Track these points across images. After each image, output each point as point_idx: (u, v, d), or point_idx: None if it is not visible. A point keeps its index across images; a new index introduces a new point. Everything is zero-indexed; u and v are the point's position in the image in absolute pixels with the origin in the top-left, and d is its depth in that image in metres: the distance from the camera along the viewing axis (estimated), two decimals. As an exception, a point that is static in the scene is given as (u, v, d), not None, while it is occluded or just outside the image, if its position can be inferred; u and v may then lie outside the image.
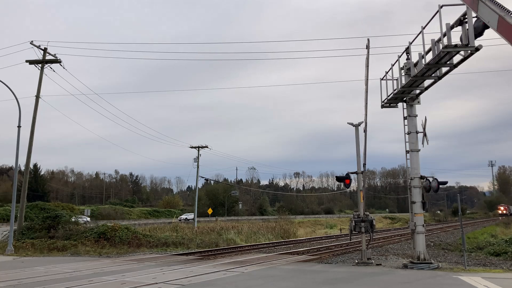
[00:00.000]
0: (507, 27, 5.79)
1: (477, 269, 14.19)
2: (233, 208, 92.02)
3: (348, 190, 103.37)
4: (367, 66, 15.35)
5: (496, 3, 6.39)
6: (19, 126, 23.05)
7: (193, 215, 68.47)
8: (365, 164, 16.12)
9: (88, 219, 54.08)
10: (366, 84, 15.29)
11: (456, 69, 12.32)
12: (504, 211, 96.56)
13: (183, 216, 72.98)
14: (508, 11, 6.04)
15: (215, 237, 29.67)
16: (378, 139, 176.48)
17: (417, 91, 14.73)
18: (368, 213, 16.01)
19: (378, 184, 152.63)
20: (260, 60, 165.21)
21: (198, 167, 53.42)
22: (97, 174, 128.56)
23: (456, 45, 11.18)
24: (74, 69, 34.65)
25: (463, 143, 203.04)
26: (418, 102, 14.95)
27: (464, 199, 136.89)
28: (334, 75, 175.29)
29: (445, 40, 11.23)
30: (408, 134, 14.77)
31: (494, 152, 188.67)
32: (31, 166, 68.66)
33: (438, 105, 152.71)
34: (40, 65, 28.08)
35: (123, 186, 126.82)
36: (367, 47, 15.36)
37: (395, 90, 15.01)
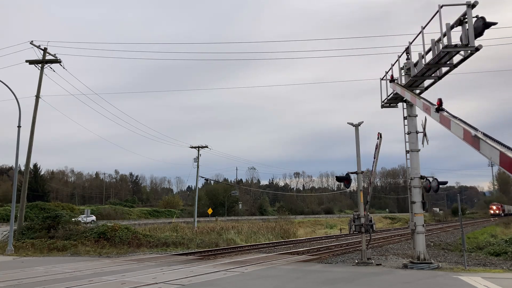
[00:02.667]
0: (509, 161, 6.26)
1: (477, 269, 14.19)
2: (233, 208, 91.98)
3: (348, 190, 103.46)
4: (377, 147, 16.46)
5: (496, 141, 6.91)
6: (19, 126, 23.05)
7: (93, 217, 65.48)
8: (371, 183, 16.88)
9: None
10: (375, 157, 16.42)
11: (456, 69, 12.32)
12: (497, 211, 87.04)
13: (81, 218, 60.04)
14: (508, 147, 6.54)
15: (215, 237, 29.66)
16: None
17: (417, 91, 14.71)
18: (368, 213, 16.04)
19: (378, 184, 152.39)
20: (260, 60, 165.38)
21: (198, 167, 53.44)
22: (97, 174, 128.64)
23: (456, 45, 11.18)
24: (74, 69, 34.70)
25: (463, 143, 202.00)
26: (418, 102, 14.94)
27: (464, 199, 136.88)
28: (333, 75, 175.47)
29: (445, 40, 11.24)
30: (408, 134, 14.77)
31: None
32: (31, 166, 68.69)
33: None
34: (40, 65, 28.08)
35: (123, 186, 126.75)
36: (379, 137, 16.42)
37: (395, 90, 15.01)
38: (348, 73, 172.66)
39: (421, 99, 11.49)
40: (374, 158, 16.56)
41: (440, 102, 9.64)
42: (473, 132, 7.56)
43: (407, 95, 13.14)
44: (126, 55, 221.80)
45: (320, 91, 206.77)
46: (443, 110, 9.40)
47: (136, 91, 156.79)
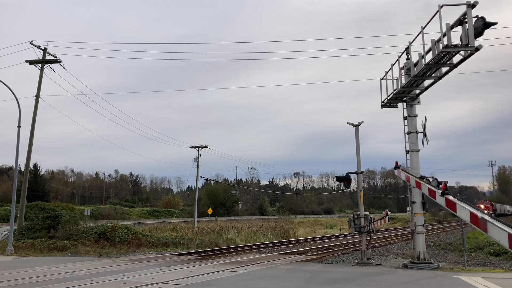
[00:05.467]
0: None
1: (477, 269, 14.20)
2: (233, 208, 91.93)
3: (348, 190, 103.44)
4: (383, 218, 19.19)
5: (503, 223, 7.05)
6: (19, 126, 23.06)
7: None
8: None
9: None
10: (378, 221, 18.94)
11: (456, 69, 12.32)
12: (485, 211, 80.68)
13: None
14: None
15: (215, 237, 29.67)
16: (378, 139, 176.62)
17: (417, 91, 14.73)
18: (368, 213, 16.07)
19: (378, 184, 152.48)
20: (260, 61, 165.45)
21: (198, 167, 53.45)
22: (97, 174, 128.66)
23: (456, 45, 11.17)
24: (74, 69, 34.70)
25: (463, 143, 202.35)
26: (418, 102, 14.95)
27: (464, 199, 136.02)
28: (334, 75, 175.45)
29: (445, 40, 11.23)
30: (408, 134, 14.77)
31: (494, 152, 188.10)
32: (31, 166, 68.68)
33: (438, 105, 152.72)
34: (40, 65, 28.08)
35: (123, 186, 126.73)
36: (387, 215, 18.70)
37: (395, 90, 15.01)
38: (348, 73, 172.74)
39: (426, 185, 11.74)
40: (377, 220, 18.49)
41: (445, 186, 9.88)
42: (479, 214, 7.70)
43: (412, 180, 13.32)
44: (126, 55, 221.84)
45: (320, 91, 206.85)
46: (448, 194, 9.64)
47: (136, 91, 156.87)
